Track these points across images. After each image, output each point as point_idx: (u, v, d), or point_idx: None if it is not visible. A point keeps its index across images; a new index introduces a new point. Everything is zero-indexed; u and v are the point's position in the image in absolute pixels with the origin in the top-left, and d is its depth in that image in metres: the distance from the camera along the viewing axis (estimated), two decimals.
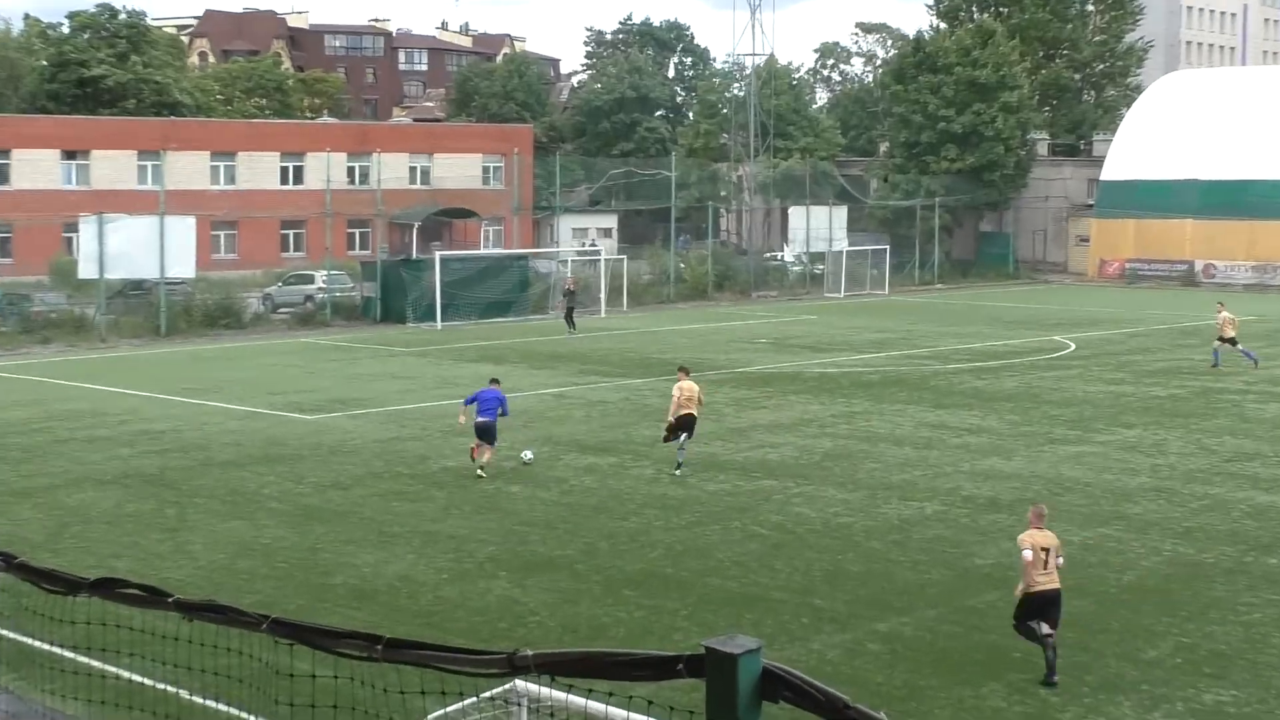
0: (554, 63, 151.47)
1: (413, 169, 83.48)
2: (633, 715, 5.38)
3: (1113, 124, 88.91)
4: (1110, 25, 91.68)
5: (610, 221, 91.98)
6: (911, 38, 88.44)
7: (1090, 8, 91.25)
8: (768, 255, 77.87)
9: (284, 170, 79.42)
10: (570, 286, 52.05)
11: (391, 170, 75.01)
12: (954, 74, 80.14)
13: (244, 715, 11.84)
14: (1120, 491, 23.97)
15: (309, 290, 58.00)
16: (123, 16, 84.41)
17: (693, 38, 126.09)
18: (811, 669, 14.54)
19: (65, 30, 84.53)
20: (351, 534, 21.19)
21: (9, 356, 44.42)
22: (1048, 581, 14.86)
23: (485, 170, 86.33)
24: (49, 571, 5.54)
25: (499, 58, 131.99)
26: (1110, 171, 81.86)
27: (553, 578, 18.73)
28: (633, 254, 69.24)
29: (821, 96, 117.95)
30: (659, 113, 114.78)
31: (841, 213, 74.74)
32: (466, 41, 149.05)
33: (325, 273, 56.89)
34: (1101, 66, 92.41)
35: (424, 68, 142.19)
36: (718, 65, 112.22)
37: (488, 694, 10.02)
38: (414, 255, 63.66)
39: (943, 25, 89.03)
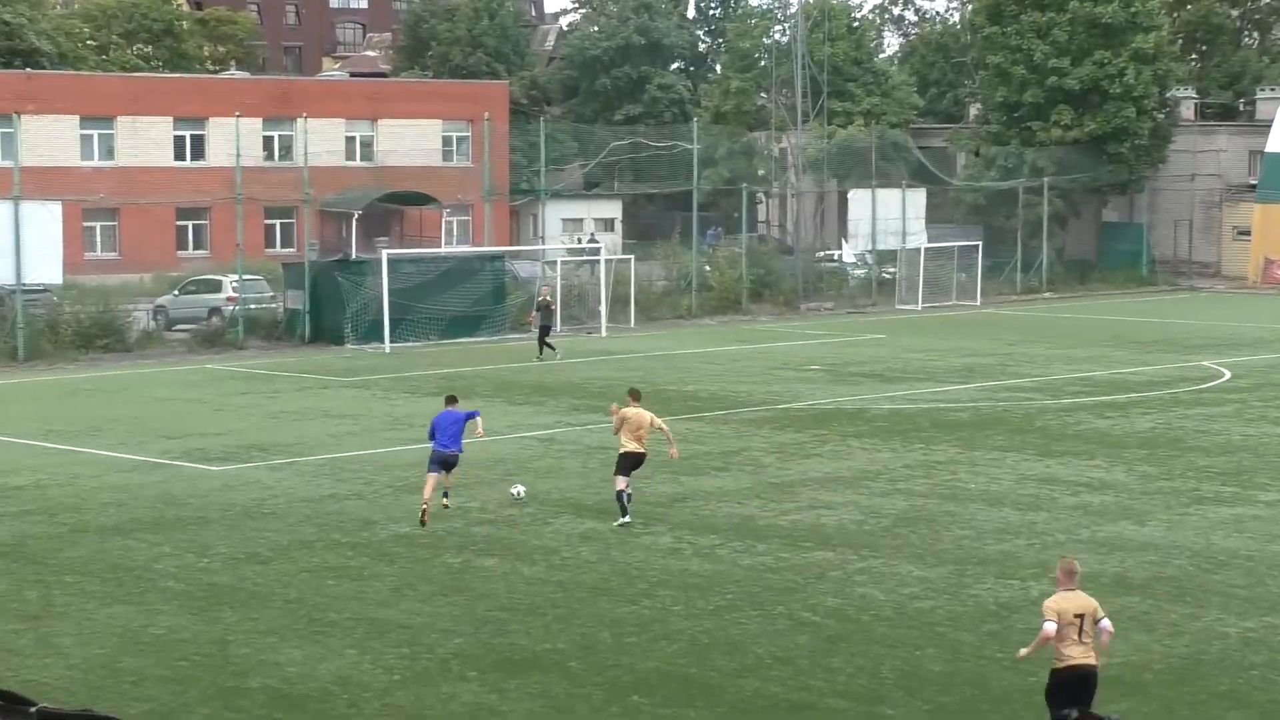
0: None
1: (350, 140, 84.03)
2: None
3: None
4: None
5: (613, 210, 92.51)
6: None
7: None
8: (821, 254, 78.26)
9: (179, 141, 79.69)
10: (545, 298, 52.26)
11: (322, 142, 75.30)
12: (1068, 11, 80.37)
13: None
14: None
15: (214, 301, 58.10)
16: None
17: None
18: None
19: None
20: (273, 622, 21.27)
21: None
22: (1082, 655, 15.54)
23: (446, 142, 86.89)
24: None
25: None
26: None
27: (540, 680, 18.80)
28: (642, 253, 69.43)
29: (891, 43, 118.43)
30: (675, 65, 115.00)
31: (919, 197, 74.88)
32: None
33: (235, 278, 56.94)
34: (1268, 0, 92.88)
35: (363, 4, 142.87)
36: (754, 2, 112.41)
37: None
38: (353, 255, 64.02)
39: None
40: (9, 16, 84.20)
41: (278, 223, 78.98)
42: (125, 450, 34.14)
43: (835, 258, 77.43)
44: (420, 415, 37.87)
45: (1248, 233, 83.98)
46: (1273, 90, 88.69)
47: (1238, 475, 31.24)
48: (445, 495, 27.68)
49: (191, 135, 79.83)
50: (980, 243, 74.26)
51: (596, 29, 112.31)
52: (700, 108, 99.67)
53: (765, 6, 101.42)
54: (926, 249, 71.89)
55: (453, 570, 23.94)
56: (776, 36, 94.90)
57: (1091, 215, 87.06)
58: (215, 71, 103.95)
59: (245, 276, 56.83)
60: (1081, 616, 15.66)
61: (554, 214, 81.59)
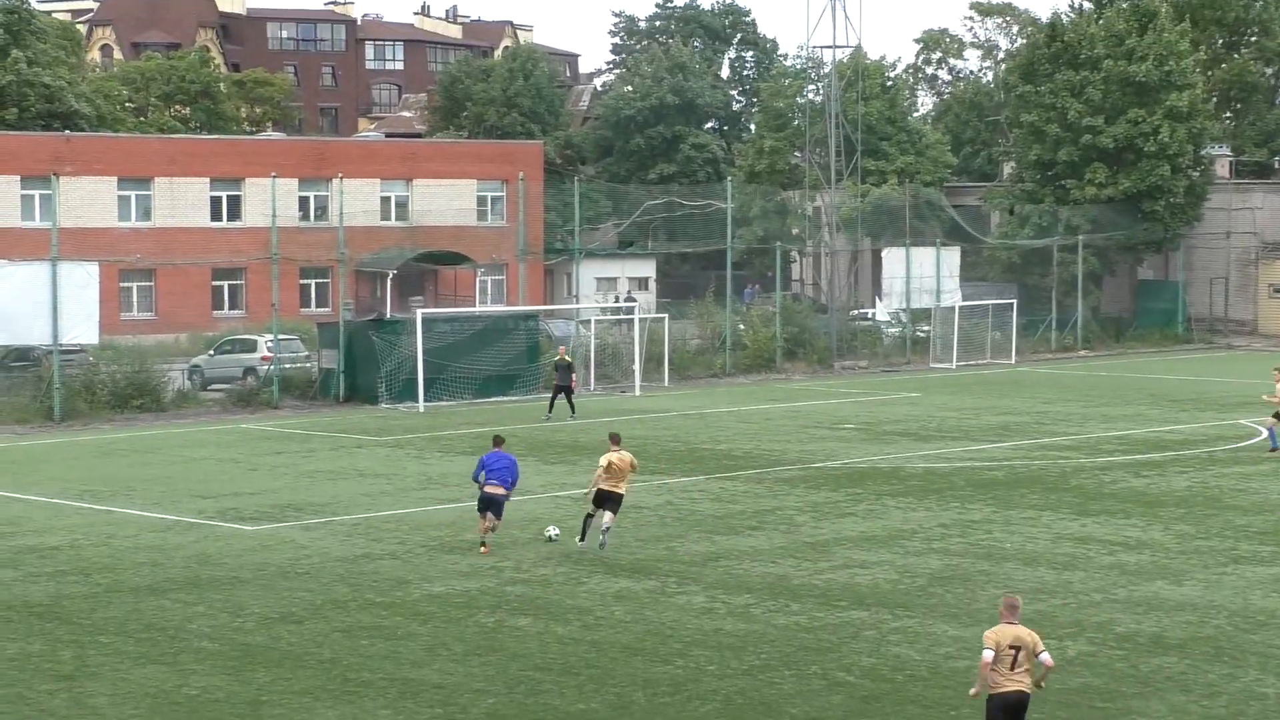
0: (570, 59, 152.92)
1: (385, 200, 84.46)
2: None
3: None
4: None
5: (647, 269, 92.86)
6: (1046, 22, 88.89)
7: None
8: (855, 313, 78.60)
9: (215, 202, 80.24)
10: (564, 358, 51.90)
11: (358, 202, 75.89)
12: (1102, 70, 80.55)
13: None
14: None
15: (249, 361, 58.41)
16: None
17: (754, 25, 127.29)
18: None
19: None
20: (307, 683, 21.26)
21: None
22: (1013, 684, 16.64)
23: (481, 201, 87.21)
24: None
25: (497, 53, 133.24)
26: None
27: None
28: (676, 311, 69.87)
29: (925, 102, 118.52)
30: (709, 125, 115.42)
31: (953, 255, 74.93)
32: (455, 31, 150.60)
33: (270, 338, 57.04)
34: None
35: (399, 66, 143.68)
36: (788, 62, 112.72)
37: None
38: (388, 314, 64.21)
39: (1087, 5, 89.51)
40: (48, 79, 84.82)
41: (313, 282, 79.53)
42: (160, 510, 34.32)
43: (869, 316, 77.53)
44: (454, 475, 38.43)
45: None
46: None
47: (1276, 534, 31.12)
48: (483, 544, 29.26)
49: (228, 196, 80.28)
50: (1015, 301, 74.29)
51: (630, 89, 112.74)
52: (734, 167, 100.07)
53: (799, 66, 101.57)
54: (961, 307, 71.86)
55: (486, 630, 23.89)
56: (810, 96, 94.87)
57: (1126, 273, 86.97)
58: (252, 132, 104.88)
59: (280, 336, 57.00)
60: (1018, 648, 16.67)
61: (588, 273, 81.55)
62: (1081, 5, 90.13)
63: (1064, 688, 20.84)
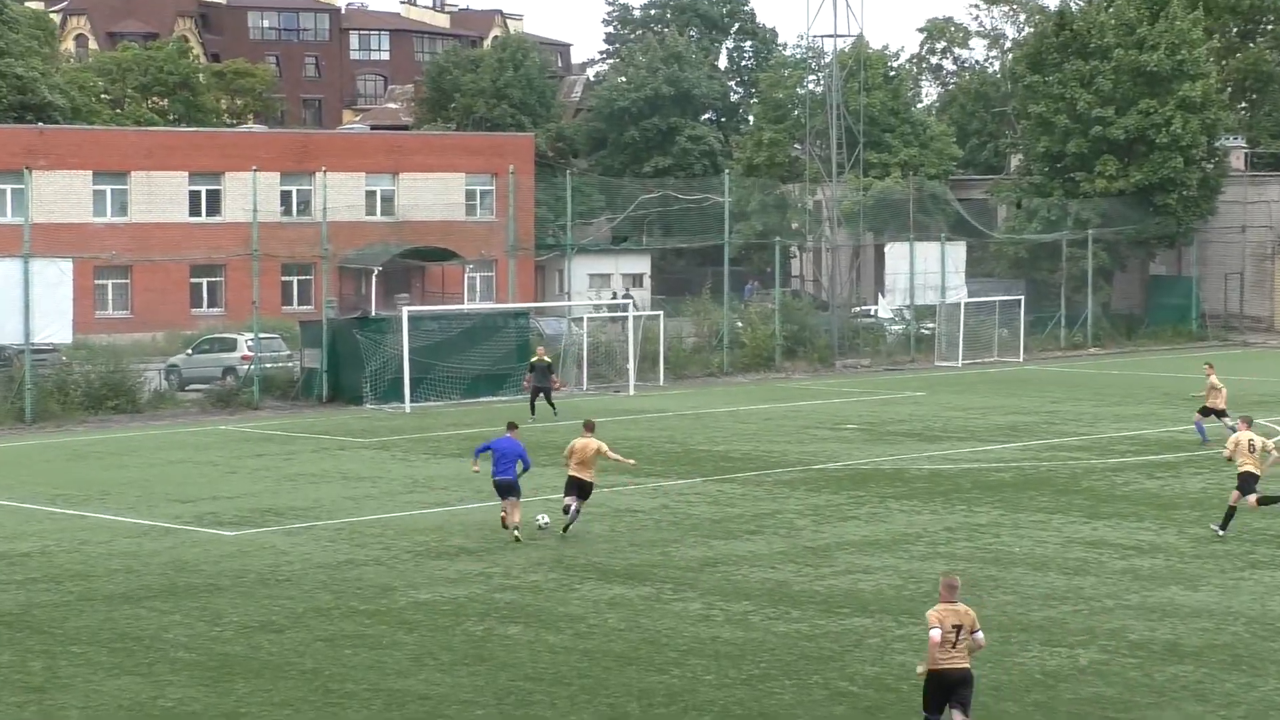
0: (562, 49, 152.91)
1: (370, 194, 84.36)
2: None
3: None
4: None
5: (641, 265, 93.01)
6: (1054, 10, 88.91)
7: None
8: (858, 310, 78.51)
9: (194, 197, 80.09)
10: (543, 359, 51.51)
11: (342, 196, 75.66)
12: (1112, 59, 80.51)
13: None
14: None
15: (229, 360, 58.37)
16: None
17: (753, 14, 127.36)
18: None
19: None
20: (287, 694, 21.22)
21: None
22: (954, 662, 17.77)
23: (470, 196, 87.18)
24: None
25: (487, 42, 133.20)
26: None
27: None
28: (672, 309, 69.65)
29: (930, 92, 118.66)
30: (706, 117, 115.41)
31: (959, 251, 74.98)
32: (442, 21, 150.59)
33: (251, 336, 57.07)
34: None
35: (384, 56, 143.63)
36: (787, 51, 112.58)
37: None
38: (373, 312, 64.24)
39: None
40: (21, 70, 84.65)
41: (295, 280, 79.42)
42: (135, 515, 34.17)
43: (872, 313, 77.61)
44: (441, 478, 38.61)
45: None
46: None
47: None
48: (516, 533, 30.62)
49: (207, 190, 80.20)
50: (1023, 297, 74.31)
51: (625, 80, 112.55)
52: (732, 160, 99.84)
53: (799, 56, 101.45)
54: (967, 304, 71.94)
55: (474, 639, 23.85)
56: (811, 86, 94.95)
57: (1138, 268, 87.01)
58: (232, 125, 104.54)
59: (261, 335, 56.99)
60: (959, 628, 17.82)
61: (580, 269, 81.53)
62: None
63: (1075, 698, 20.87)
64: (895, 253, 74.02)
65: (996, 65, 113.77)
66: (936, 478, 38.84)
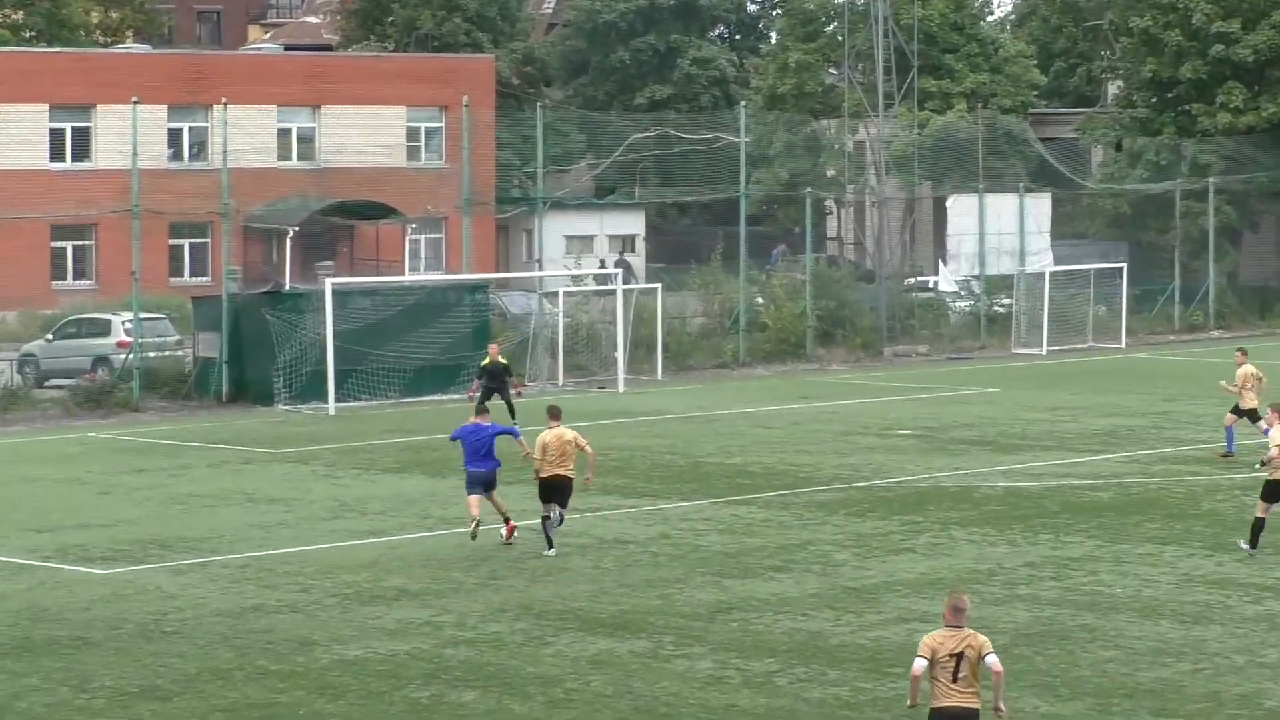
0: None
1: (284, 133, 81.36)
2: None
3: None
4: None
5: (634, 224, 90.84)
6: None
7: None
8: (912, 282, 75.67)
9: (56, 136, 76.72)
10: (497, 359, 48.55)
11: (247, 136, 72.38)
12: None
13: None
14: None
15: (101, 348, 56.31)
16: None
17: None
18: None
19: None
20: None
21: None
22: (954, 699, 17.18)
23: (412, 135, 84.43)
24: None
25: None
26: None
27: None
28: (673, 281, 67.98)
29: (1004, 2, 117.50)
30: (717, 33, 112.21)
31: (1042, 205, 73.09)
32: None
33: (129, 317, 54.84)
34: None
35: None
36: None
37: None
38: (287, 285, 62.45)
39: None
40: None
41: (186, 243, 76.59)
42: None
43: (930, 286, 75.00)
44: (376, 499, 37.35)
45: None
46: None
47: None
48: (507, 521, 30.83)
49: (73, 128, 77.06)
50: (1125, 265, 71.51)
51: None
52: (750, 89, 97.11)
53: None
54: (1053, 274, 69.09)
55: (419, 708, 22.56)
56: None
57: (1273, 227, 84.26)
58: (107, 44, 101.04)
59: (143, 315, 54.55)
60: (959, 656, 17.29)
61: (555, 229, 79.39)
62: None
63: None
64: (960, 208, 72.28)
65: None
66: (1014, 498, 37.10)
